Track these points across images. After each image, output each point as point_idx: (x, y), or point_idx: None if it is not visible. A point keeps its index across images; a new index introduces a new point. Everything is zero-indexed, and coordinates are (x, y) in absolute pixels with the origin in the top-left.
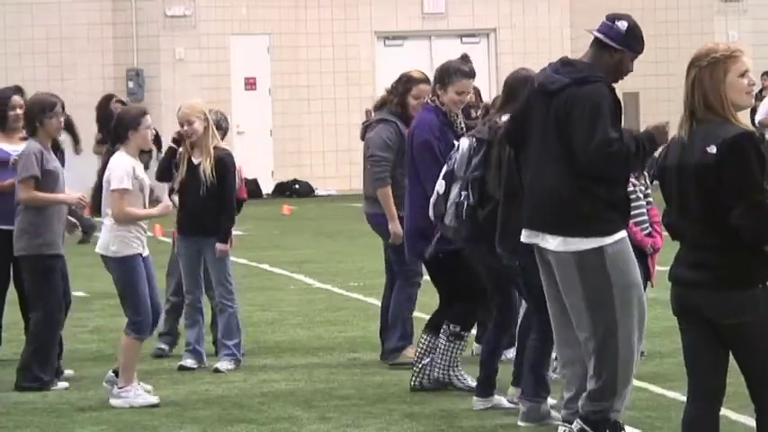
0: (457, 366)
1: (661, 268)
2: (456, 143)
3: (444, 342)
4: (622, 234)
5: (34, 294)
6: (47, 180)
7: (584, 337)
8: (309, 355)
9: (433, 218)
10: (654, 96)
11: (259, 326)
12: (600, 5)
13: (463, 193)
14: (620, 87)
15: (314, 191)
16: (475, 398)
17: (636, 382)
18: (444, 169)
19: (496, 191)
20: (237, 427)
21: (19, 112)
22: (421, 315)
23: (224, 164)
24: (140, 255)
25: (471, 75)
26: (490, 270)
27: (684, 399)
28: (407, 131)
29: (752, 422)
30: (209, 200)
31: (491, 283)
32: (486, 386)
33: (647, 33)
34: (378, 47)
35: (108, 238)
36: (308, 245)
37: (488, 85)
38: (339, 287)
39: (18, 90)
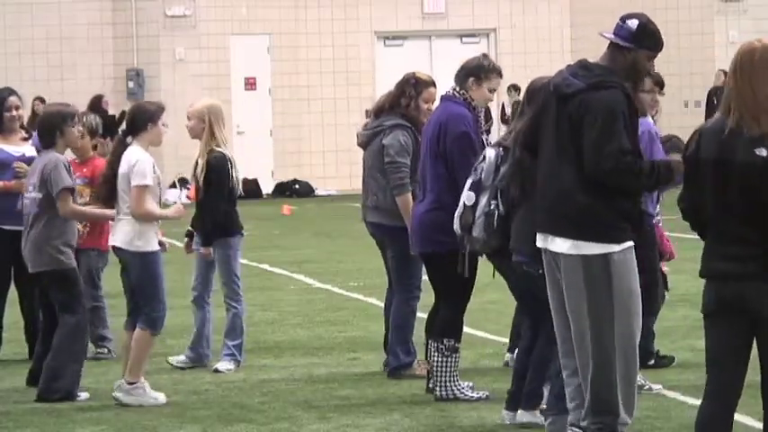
0: (457, 380)
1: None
2: (482, 152)
3: (440, 359)
4: (630, 243)
5: (63, 305)
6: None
7: (581, 345)
8: (309, 355)
9: (458, 230)
10: None
11: (259, 326)
12: (600, 5)
13: (492, 202)
14: None
15: (314, 191)
16: (504, 411)
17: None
18: (470, 180)
19: (515, 190)
20: (237, 426)
21: (15, 113)
22: (421, 315)
23: (210, 167)
24: (160, 251)
25: (501, 74)
26: (520, 282)
27: (684, 399)
28: (433, 122)
29: (752, 422)
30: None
31: (521, 296)
32: (516, 400)
33: None
34: (378, 47)
35: (131, 233)
36: (308, 245)
37: None
38: (339, 287)
39: (11, 92)
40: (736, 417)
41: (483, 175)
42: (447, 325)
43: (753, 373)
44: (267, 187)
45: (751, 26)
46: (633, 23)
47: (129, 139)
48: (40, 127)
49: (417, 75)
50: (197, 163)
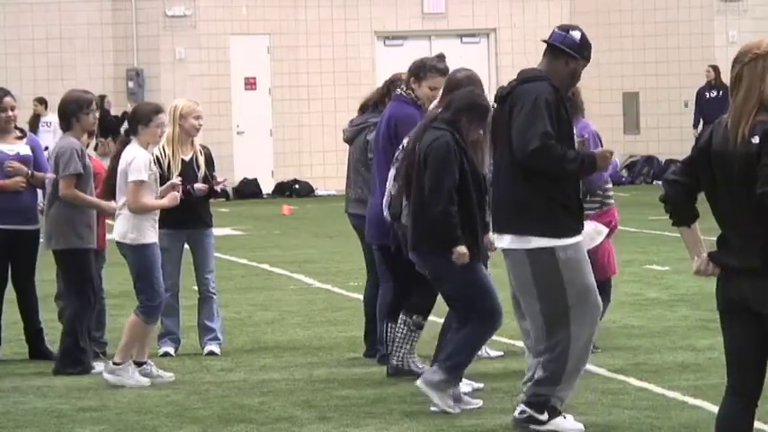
0: (413, 353)
1: (659, 268)
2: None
3: (405, 331)
4: (577, 239)
5: (69, 286)
6: (84, 176)
7: (537, 332)
8: (309, 355)
9: (389, 218)
10: (654, 96)
11: (259, 326)
12: (600, 5)
13: None
14: (621, 87)
15: (314, 191)
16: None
17: (636, 382)
18: (394, 170)
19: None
20: (237, 427)
21: (11, 113)
22: None
23: (211, 155)
24: (156, 243)
25: (445, 72)
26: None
27: (684, 399)
28: (385, 121)
29: (759, 425)
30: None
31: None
32: None
33: (646, 33)
34: (378, 47)
35: (126, 227)
36: (308, 245)
37: (488, 86)
38: (339, 287)
39: (6, 92)
40: None
41: None
42: (420, 305)
43: None
44: (267, 187)
45: (751, 26)
46: (577, 35)
47: (130, 137)
48: (60, 112)
49: (403, 74)
50: (195, 157)
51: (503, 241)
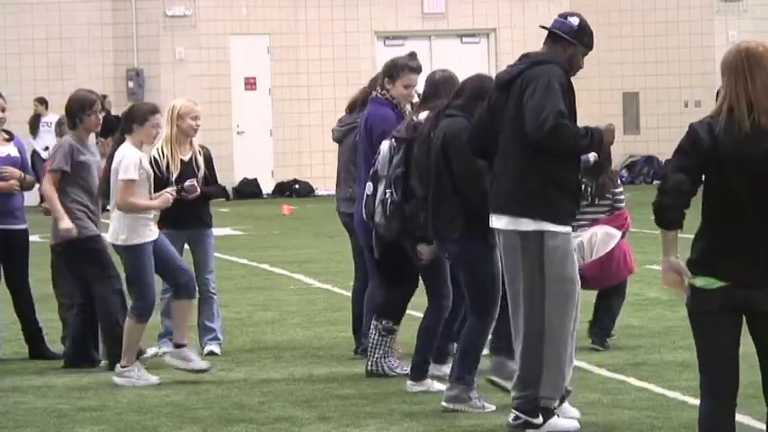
0: (388, 356)
1: (659, 268)
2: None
3: (377, 337)
4: (566, 229)
5: (92, 275)
6: (78, 171)
7: (516, 320)
8: (309, 355)
9: (365, 217)
10: (654, 96)
11: (259, 326)
12: (600, 5)
13: (388, 191)
14: (621, 87)
15: (314, 191)
16: (409, 381)
17: (636, 382)
18: (372, 171)
19: (418, 188)
20: (237, 427)
21: (1, 115)
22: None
23: (210, 155)
24: (149, 243)
25: (418, 70)
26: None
27: (684, 399)
28: (363, 122)
29: (751, 422)
30: (203, 191)
31: (424, 273)
32: (422, 371)
33: (646, 33)
34: (378, 47)
35: (118, 228)
36: (308, 245)
37: None
38: (339, 287)
39: None
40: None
41: (378, 166)
42: (389, 308)
43: (752, 373)
44: (267, 187)
45: (751, 26)
46: (575, 21)
47: (124, 136)
48: (66, 110)
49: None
50: (182, 161)
51: (500, 222)
